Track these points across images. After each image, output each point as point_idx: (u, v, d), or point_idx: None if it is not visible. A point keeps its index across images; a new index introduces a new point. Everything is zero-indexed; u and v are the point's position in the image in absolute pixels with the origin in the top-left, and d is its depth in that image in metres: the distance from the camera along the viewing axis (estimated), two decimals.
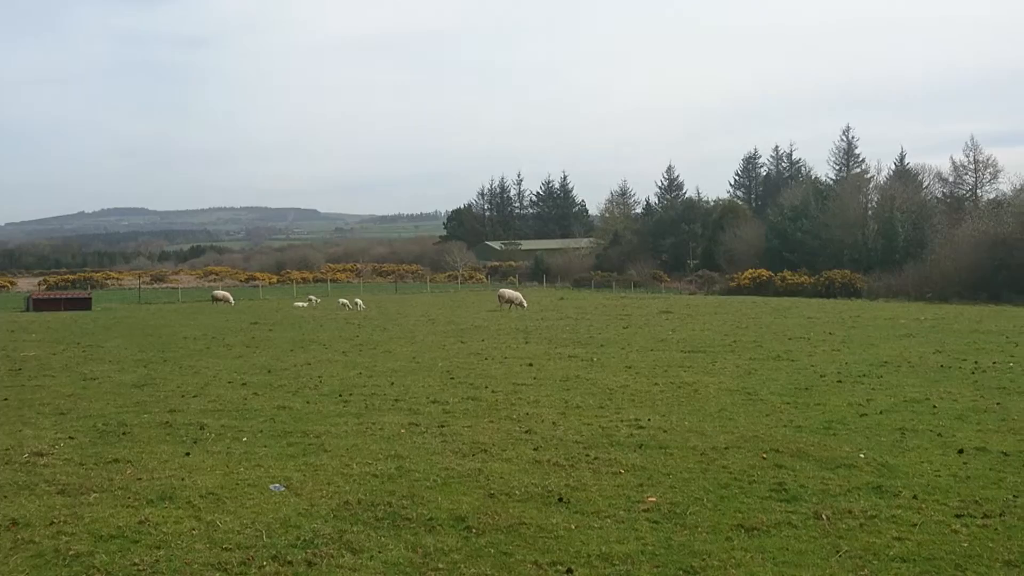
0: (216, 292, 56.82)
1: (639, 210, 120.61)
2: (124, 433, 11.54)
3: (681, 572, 6.46)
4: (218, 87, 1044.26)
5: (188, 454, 10.24)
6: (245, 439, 11.13)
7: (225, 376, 17.52)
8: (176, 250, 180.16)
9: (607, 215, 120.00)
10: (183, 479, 9.02)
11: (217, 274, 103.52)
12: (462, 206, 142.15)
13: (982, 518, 7.62)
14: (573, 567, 6.55)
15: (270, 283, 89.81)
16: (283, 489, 8.64)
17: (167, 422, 12.32)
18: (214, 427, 11.90)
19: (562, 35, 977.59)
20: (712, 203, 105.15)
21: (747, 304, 49.15)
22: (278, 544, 7.01)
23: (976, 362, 18.84)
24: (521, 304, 42.39)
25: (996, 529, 7.34)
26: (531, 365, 18.97)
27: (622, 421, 12.22)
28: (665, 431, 11.50)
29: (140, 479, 9.04)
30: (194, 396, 14.85)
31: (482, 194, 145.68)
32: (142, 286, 79.51)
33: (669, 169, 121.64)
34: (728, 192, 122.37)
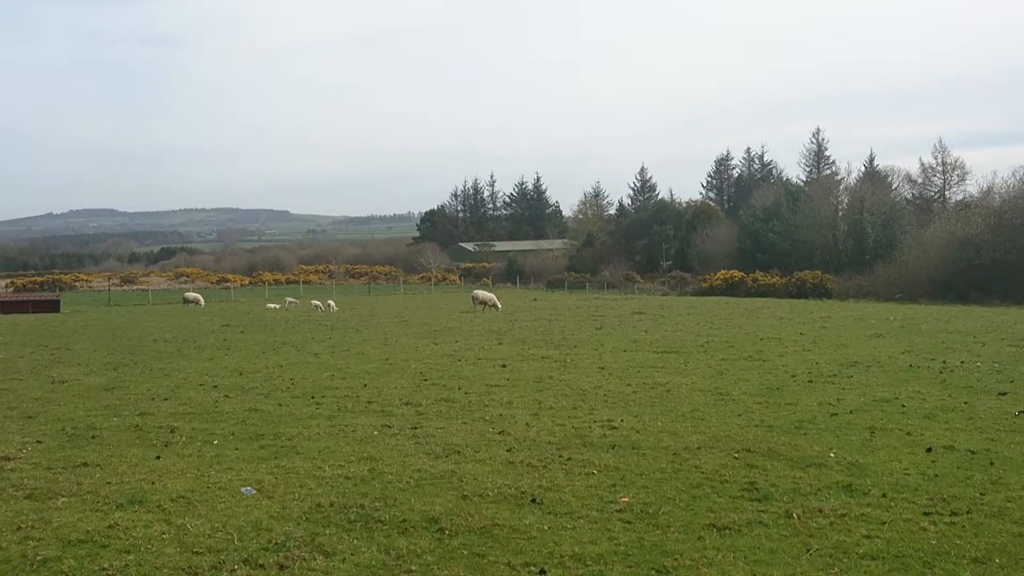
0: (187, 294, 56.39)
1: (612, 211, 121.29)
2: (93, 437, 11.40)
3: (653, 572, 6.49)
4: (189, 86, 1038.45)
5: (158, 457, 10.14)
6: (216, 442, 11.04)
7: (196, 379, 17.38)
8: (146, 252, 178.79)
9: (580, 216, 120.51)
10: (153, 483, 8.93)
11: (188, 276, 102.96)
12: (435, 207, 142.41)
13: (950, 516, 7.71)
14: (546, 568, 6.55)
15: (242, 285, 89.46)
16: (255, 492, 8.58)
17: (137, 425, 12.19)
18: (185, 430, 11.79)
19: (537, 36, 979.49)
20: (685, 204, 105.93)
21: (719, 305, 49.45)
22: (249, 547, 6.96)
23: (944, 362, 19.07)
24: (495, 306, 42.42)
25: (964, 526, 7.43)
26: (504, 366, 18.97)
27: (595, 422, 12.24)
28: (638, 431, 11.53)
29: (109, 483, 8.93)
30: (164, 399, 14.72)
31: (455, 195, 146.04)
32: (112, 288, 78.71)
33: (642, 171, 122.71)
34: (700, 193, 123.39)
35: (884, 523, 7.52)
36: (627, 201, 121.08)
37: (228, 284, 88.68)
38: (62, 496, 8.44)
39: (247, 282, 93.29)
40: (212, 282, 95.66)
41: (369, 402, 14.19)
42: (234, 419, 12.68)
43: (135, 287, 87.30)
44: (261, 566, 6.58)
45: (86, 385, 16.54)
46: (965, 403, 13.64)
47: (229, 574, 6.44)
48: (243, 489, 8.68)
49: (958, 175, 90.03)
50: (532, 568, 6.56)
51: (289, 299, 52.48)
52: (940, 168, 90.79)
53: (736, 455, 10.09)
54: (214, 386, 16.22)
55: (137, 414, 13.13)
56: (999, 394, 14.50)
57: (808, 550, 6.87)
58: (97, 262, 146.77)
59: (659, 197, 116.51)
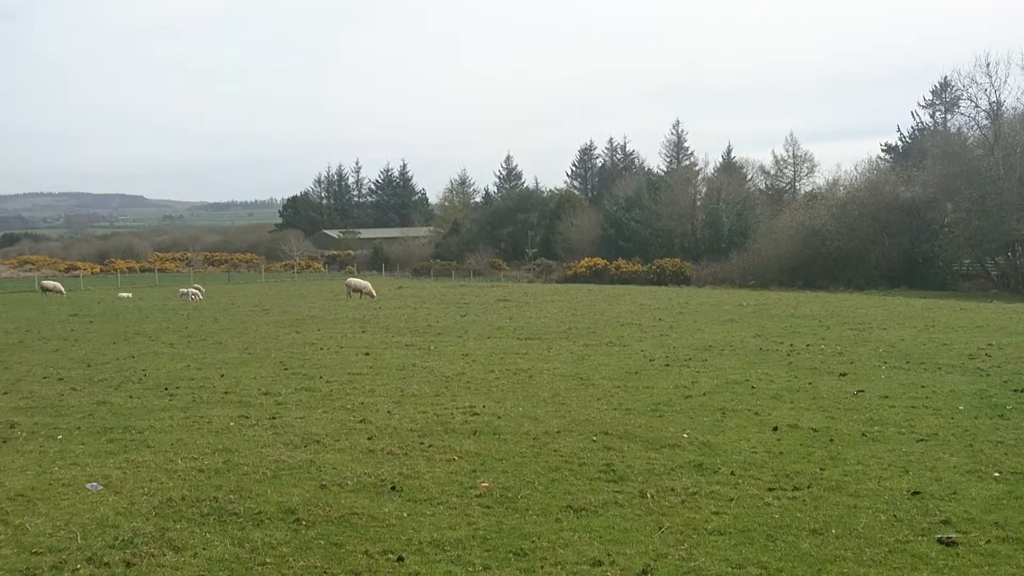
0: (45, 282, 52.65)
1: (478, 199, 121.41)
2: None
3: (511, 555, 6.57)
4: (32, 64, 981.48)
5: None
6: (60, 437, 10.54)
7: (40, 371, 16.51)
8: None
9: (447, 204, 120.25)
10: None
11: (33, 263, 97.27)
12: (298, 194, 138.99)
13: (792, 491, 8.12)
14: (404, 555, 6.54)
15: (92, 273, 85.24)
16: (101, 488, 8.24)
17: None
18: (26, 425, 11.21)
19: (403, 21, 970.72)
20: (549, 193, 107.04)
21: (583, 292, 50.32)
22: (94, 545, 6.68)
23: (791, 345, 19.98)
24: (370, 294, 41.41)
25: (804, 500, 7.83)
26: (367, 354, 18.80)
27: (457, 408, 12.29)
28: (499, 417, 11.64)
29: None
30: (4, 393, 13.93)
31: (319, 181, 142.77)
32: None
33: (508, 159, 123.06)
34: (565, 182, 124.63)
35: (732, 500, 7.85)
36: (493, 189, 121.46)
37: (78, 272, 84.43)
38: None
39: (98, 270, 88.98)
40: (60, 270, 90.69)
41: (226, 392, 13.81)
42: (80, 413, 12.13)
43: None
44: (106, 564, 6.33)
45: None
46: (809, 384, 14.35)
47: (71, 573, 6.18)
48: (88, 485, 8.32)
49: (807, 167, 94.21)
50: (390, 555, 6.54)
51: (189, 289, 44.21)
52: (791, 160, 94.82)
53: (594, 438, 10.32)
54: (59, 379, 15.46)
55: None
56: (840, 375, 15.31)
57: (660, 528, 7.10)
58: None
59: (524, 185, 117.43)
